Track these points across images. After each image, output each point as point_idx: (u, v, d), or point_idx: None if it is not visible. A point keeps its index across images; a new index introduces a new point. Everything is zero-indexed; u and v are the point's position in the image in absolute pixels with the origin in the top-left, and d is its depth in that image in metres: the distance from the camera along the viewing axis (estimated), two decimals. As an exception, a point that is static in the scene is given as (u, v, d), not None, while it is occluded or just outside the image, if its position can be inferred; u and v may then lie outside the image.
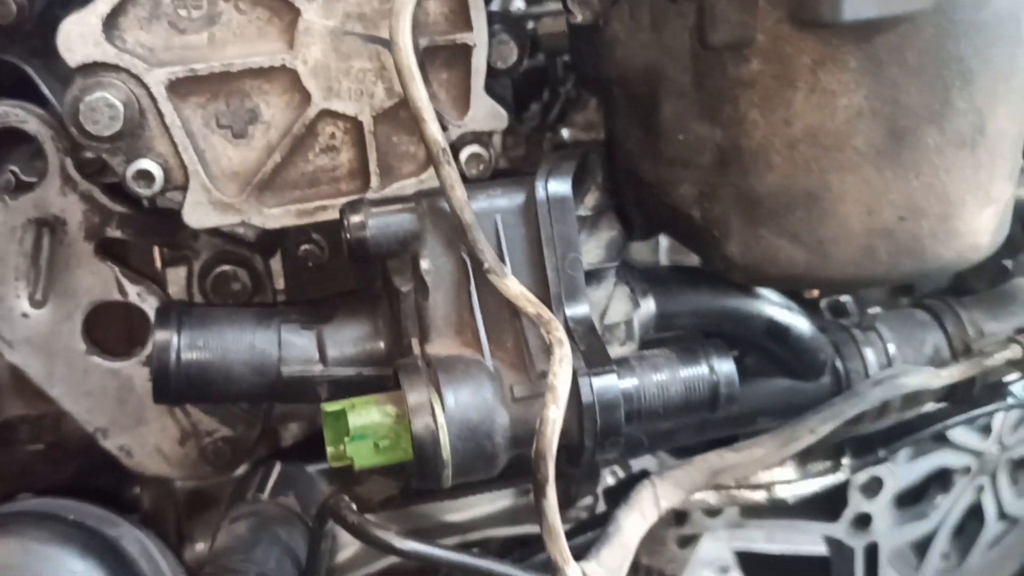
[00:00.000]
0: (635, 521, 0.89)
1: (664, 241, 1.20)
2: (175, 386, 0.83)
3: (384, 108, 0.85)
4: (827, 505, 1.25)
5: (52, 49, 0.78)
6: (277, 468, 0.92)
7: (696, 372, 0.80)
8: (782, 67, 0.73)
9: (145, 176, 0.82)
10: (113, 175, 0.88)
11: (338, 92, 0.83)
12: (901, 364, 1.01)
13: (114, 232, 0.90)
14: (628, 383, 0.78)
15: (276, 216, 0.86)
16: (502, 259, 0.79)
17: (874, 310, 1.04)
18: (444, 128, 0.85)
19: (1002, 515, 1.41)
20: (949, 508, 1.36)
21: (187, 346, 0.82)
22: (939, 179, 0.76)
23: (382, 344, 0.85)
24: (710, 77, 0.77)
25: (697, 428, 0.95)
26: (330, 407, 0.77)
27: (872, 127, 0.73)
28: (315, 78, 0.82)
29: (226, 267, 0.95)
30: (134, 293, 0.92)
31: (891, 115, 0.73)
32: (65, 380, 0.92)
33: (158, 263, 0.95)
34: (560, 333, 0.74)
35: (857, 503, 1.25)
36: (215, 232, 0.94)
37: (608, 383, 0.76)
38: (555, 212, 0.81)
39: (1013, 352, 0.98)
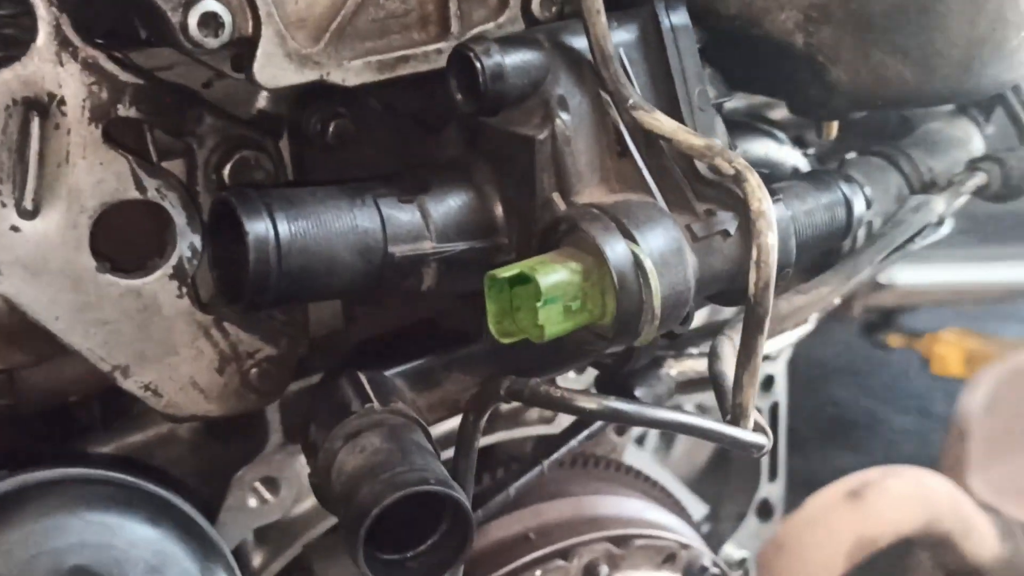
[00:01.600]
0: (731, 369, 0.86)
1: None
2: (276, 286, 0.67)
3: (472, -64, 0.74)
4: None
5: None
6: (364, 376, 0.78)
7: (833, 198, 0.78)
8: None
9: (211, 21, 0.65)
10: (119, 39, 0.70)
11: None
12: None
13: (128, 111, 0.71)
14: (785, 214, 0.75)
15: (356, 70, 0.72)
16: (635, 96, 0.72)
17: (851, 155, 1.09)
18: (524, -37, 0.76)
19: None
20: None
21: (287, 235, 0.67)
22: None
23: (496, 211, 0.75)
24: None
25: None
26: (503, 272, 0.66)
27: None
28: None
29: (246, 153, 0.78)
30: (153, 188, 0.74)
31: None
32: (73, 309, 0.72)
33: (153, 154, 0.77)
34: (741, 161, 0.69)
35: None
36: (219, 112, 0.77)
37: (781, 214, 0.73)
38: (681, 43, 0.75)
39: (980, 179, 1.06)
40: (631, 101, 0.71)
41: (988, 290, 2.87)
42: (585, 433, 0.99)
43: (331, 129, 0.81)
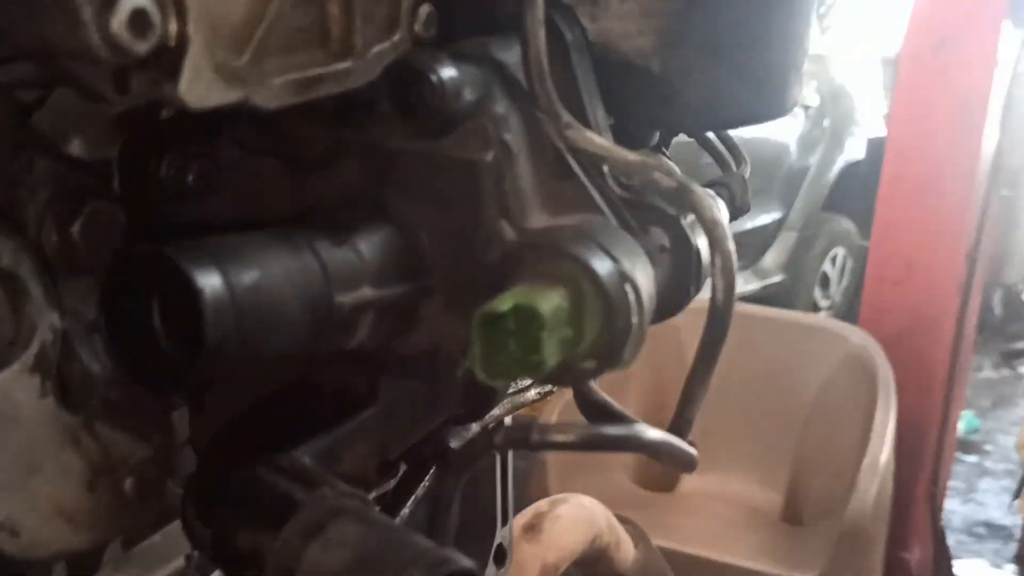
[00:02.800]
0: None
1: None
2: (233, 354, 0.53)
3: (370, -55, 0.65)
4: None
5: None
6: (288, 462, 0.64)
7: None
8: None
9: (139, 21, 0.50)
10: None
11: (337, -83, 0.62)
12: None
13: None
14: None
15: (277, 91, 0.60)
16: (555, 115, 0.69)
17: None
18: (408, -19, 0.70)
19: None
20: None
21: (242, 290, 0.54)
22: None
23: (423, 249, 0.67)
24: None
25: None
26: (500, 305, 0.59)
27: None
28: None
29: (96, 205, 0.62)
30: (7, 252, 0.55)
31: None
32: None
33: (-26, 213, 0.58)
34: (680, 174, 0.69)
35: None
36: (52, 153, 0.61)
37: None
38: (581, 60, 0.73)
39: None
40: (564, 120, 0.67)
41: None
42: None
43: (191, 173, 0.67)
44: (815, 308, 5.88)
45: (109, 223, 0.62)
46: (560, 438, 0.62)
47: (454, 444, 0.94)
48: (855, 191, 5.67)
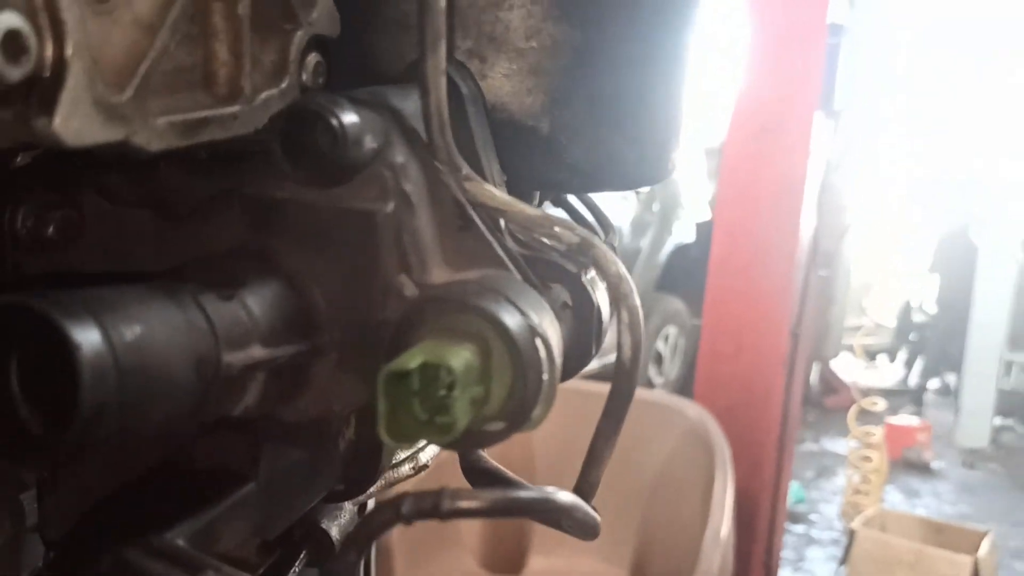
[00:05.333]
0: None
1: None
2: (111, 414, 0.47)
3: (260, -17, 0.61)
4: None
5: None
6: (167, 541, 0.56)
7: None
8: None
9: (13, 42, 0.45)
10: None
11: (227, -49, 0.58)
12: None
13: None
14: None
15: (161, 132, 0.55)
16: (452, 168, 0.66)
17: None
18: (298, 28, 0.67)
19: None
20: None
21: (123, 348, 0.48)
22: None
23: (315, 305, 0.62)
24: (571, -22, 0.78)
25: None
26: (408, 362, 0.54)
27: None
28: (209, -75, 0.56)
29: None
30: None
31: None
32: None
33: None
34: (582, 229, 0.67)
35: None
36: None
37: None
38: (477, 114, 0.71)
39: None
40: (464, 172, 0.65)
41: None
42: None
43: (52, 223, 0.60)
44: (650, 385, 6.02)
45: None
46: (473, 505, 0.58)
47: (326, 525, 0.88)
48: (686, 272, 5.89)
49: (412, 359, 0.55)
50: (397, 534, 3.38)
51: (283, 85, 0.65)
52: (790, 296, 4.27)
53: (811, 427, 7.26)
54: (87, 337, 0.46)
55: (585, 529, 0.67)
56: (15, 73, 0.45)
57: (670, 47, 0.84)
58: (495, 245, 0.65)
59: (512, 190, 0.83)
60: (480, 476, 0.79)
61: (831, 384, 7.60)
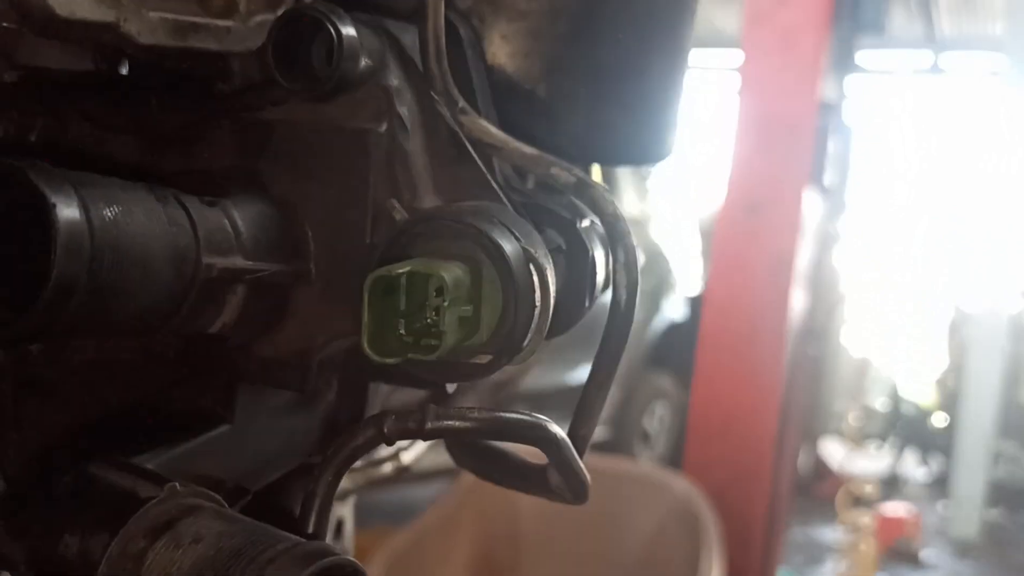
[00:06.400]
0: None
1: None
2: (80, 300, 0.44)
3: (260, -94, 0.61)
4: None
5: None
6: (133, 463, 0.53)
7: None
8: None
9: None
10: None
11: None
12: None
13: None
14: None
15: (152, 26, 0.53)
16: (449, 104, 0.65)
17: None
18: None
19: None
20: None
21: (101, 226, 0.45)
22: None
23: (302, 229, 0.60)
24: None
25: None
26: (396, 268, 0.52)
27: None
28: None
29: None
30: None
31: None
32: None
33: None
34: (578, 170, 0.65)
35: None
36: None
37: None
38: (475, 56, 0.70)
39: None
40: (460, 105, 0.63)
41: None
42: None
43: (35, 130, 0.58)
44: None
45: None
46: (460, 424, 0.55)
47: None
48: (676, 349, 5.87)
49: (400, 267, 0.53)
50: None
51: (280, 11, 0.64)
52: (779, 375, 4.24)
53: (800, 513, 7.15)
54: (65, 202, 0.44)
55: (574, 486, 0.63)
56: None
57: (669, 23, 0.84)
58: (489, 177, 0.63)
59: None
60: (464, 452, 0.76)
61: (820, 471, 7.51)
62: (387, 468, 1.00)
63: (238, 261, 0.55)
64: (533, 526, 3.84)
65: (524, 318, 0.57)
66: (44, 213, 0.43)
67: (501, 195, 0.63)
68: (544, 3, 0.77)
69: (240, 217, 0.56)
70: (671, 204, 6.44)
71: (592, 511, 3.95)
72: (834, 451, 7.74)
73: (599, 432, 5.66)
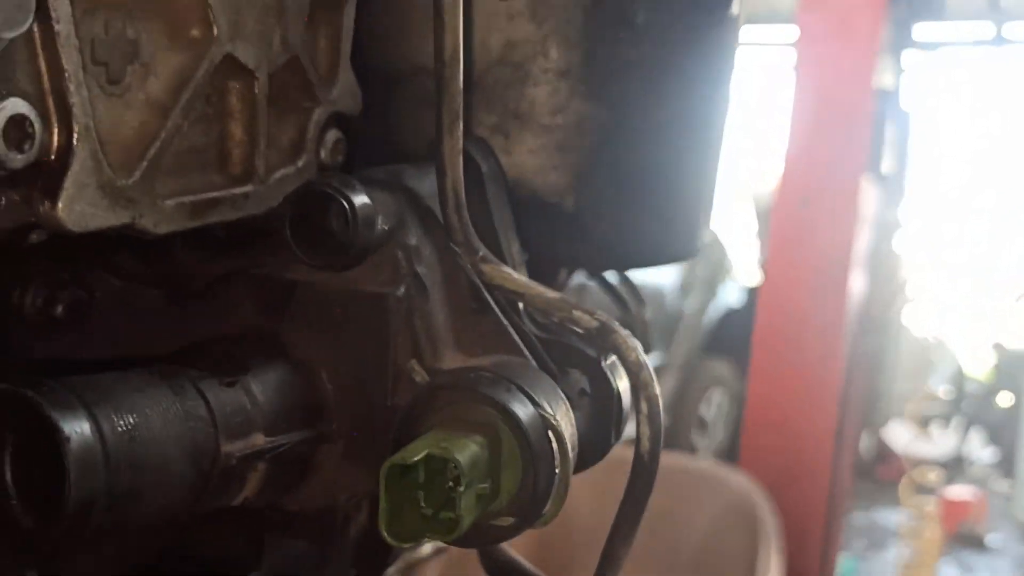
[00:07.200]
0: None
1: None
2: (99, 507, 0.45)
3: (277, 65, 0.61)
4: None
5: None
6: None
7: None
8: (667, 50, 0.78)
9: (18, 128, 0.44)
10: None
11: (243, 31, 0.57)
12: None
13: None
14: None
15: (168, 214, 0.54)
16: (469, 249, 0.64)
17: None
18: (317, 105, 0.66)
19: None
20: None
21: (113, 437, 0.46)
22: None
23: (323, 391, 0.60)
24: (598, 56, 0.76)
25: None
26: (410, 455, 0.52)
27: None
28: (224, 4, 0.55)
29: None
30: None
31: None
32: None
33: None
34: (602, 314, 0.65)
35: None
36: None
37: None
38: (496, 193, 0.69)
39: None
40: (481, 254, 0.63)
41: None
42: None
43: (61, 303, 0.59)
44: (693, 451, 5.91)
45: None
46: None
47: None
48: (734, 335, 5.82)
49: (415, 451, 0.53)
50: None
51: (300, 163, 0.64)
52: (838, 364, 4.18)
53: (863, 497, 7.07)
54: (76, 428, 0.45)
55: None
56: (19, 160, 0.44)
57: (700, 125, 0.82)
58: (510, 330, 0.63)
59: (536, 267, 0.82)
60: (496, 568, 0.76)
61: (883, 453, 7.42)
62: (427, 549, 1.01)
63: (258, 440, 0.55)
64: (587, 524, 3.85)
65: (544, 485, 0.57)
66: (57, 446, 0.44)
67: (522, 348, 0.62)
68: (571, 116, 0.76)
69: (260, 392, 0.57)
70: (726, 187, 6.36)
71: (651, 508, 3.95)
72: (898, 433, 7.63)
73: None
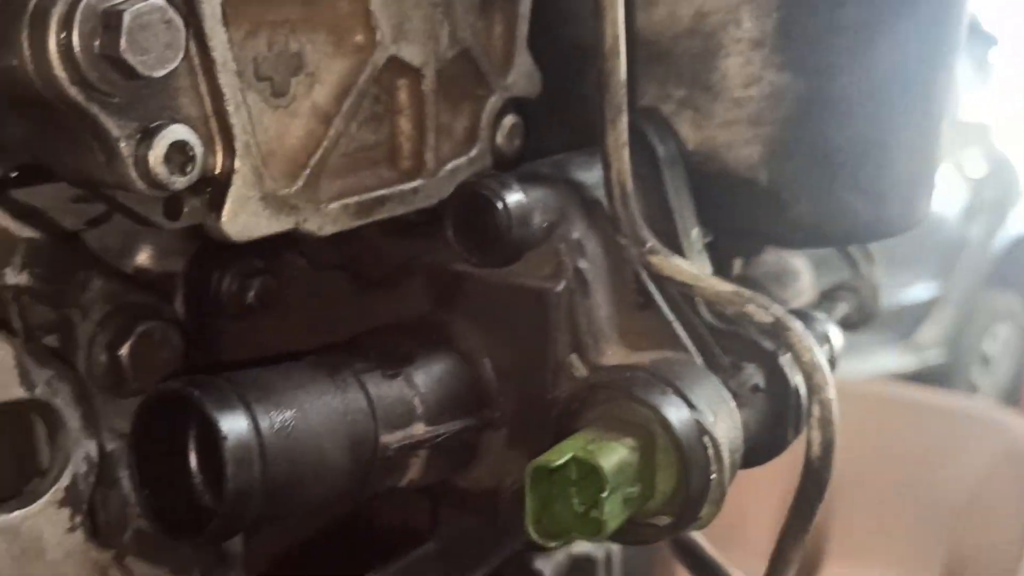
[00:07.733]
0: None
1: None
2: (257, 506, 0.50)
3: (446, 59, 0.62)
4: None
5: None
6: None
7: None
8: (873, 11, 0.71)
9: (180, 152, 0.48)
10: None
11: (407, 32, 0.59)
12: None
13: (17, 277, 0.51)
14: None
15: (334, 216, 0.57)
16: (639, 239, 0.63)
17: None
18: (491, 93, 0.66)
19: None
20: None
21: (271, 435, 0.50)
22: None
23: (487, 380, 0.62)
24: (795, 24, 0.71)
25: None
26: (553, 459, 0.53)
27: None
28: (387, 7, 0.57)
29: (148, 326, 0.59)
30: (43, 382, 0.53)
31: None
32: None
33: (20, 333, 0.56)
34: (778, 308, 0.62)
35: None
36: (108, 272, 0.59)
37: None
38: (675, 178, 0.67)
39: (842, 309, 1.08)
40: (649, 245, 0.61)
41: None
42: None
43: (252, 289, 0.64)
44: (973, 390, 5.51)
45: (160, 344, 0.59)
46: None
47: (539, 566, 0.88)
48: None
49: (561, 454, 0.53)
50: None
51: (473, 152, 0.65)
52: None
53: None
54: (233, 425, 0.48)
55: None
56: (182, 182, 0.48)
57: (917, 90, 0.75)
58: (675, 326, 0.61)
59: (725, 243, 0.79)
60: (680, 548, 0.76)
61: None
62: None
63: (418, 430, 0.58)
64: (847, 462, 3.71)
65: (699, 490, 0.56)
66: (215, 444, 0.48)
67: (688, 344, 0.61)
68: (765, 88, 0.72)
69: (423, 383, 0.59)
70: (1020, 104, 5.75)
71: (914, 449, 3.75)
72: None
73: (932, 356, 5.31)
